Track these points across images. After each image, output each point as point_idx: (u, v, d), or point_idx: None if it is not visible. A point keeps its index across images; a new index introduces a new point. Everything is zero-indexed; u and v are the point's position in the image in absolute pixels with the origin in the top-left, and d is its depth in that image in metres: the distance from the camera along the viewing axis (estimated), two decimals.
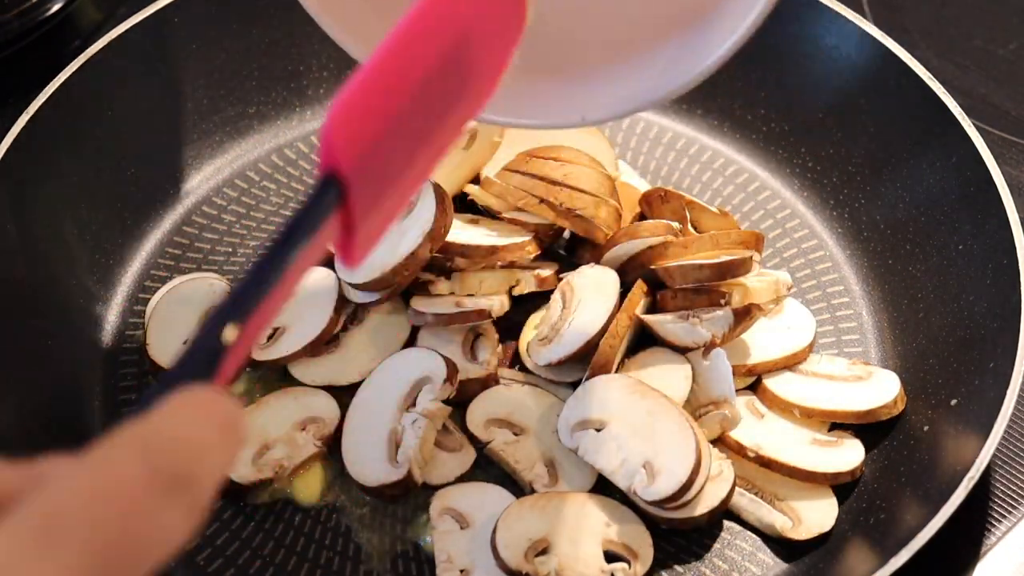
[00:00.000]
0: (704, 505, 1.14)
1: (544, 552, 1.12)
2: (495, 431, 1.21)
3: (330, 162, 0.76)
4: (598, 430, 1.16)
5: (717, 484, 1.15)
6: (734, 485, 1.16)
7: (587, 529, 1.13)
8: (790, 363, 1.25)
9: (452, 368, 1.21)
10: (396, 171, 0.81)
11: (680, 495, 1.12)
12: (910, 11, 1.66)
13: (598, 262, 1.30)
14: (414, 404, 1.20)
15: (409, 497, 1.19)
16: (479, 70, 0.83)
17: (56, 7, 1.58)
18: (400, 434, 1.19)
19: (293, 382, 1.26)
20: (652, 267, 1.25)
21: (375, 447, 1.19)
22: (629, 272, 1.27)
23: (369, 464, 1.18)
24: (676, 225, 1.26)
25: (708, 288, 1.23)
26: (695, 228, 1.30)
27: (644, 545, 1.14)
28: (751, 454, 1.18)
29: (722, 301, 1.22)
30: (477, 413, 1.22)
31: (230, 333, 0.72)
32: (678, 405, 1.17)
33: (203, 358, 0.71)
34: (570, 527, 1.13)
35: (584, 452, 1.16)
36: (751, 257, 1.24)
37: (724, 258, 1.23)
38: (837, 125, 1.43)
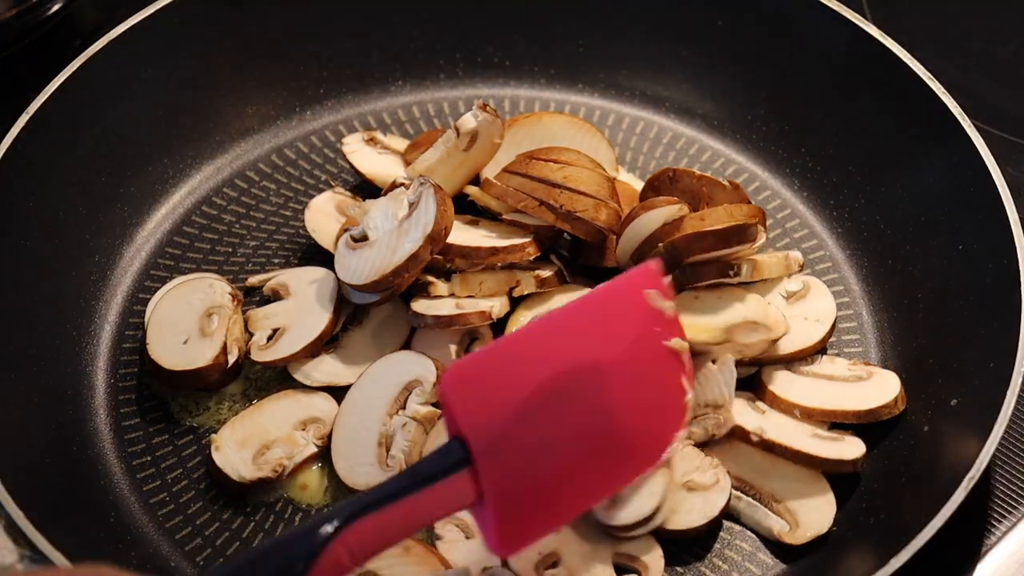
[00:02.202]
0: (703, 515, 1.14)
1: (554, 565, 1.12)
2: None
3: (452, 416, 0.92)
4: None
5: (715, 493, 1.15)
6: (730, 496, 1.16)
7: (597, 542, 1.13)
8: (798, 356, 1.25)
9: (442, 371, 1.21)
10: (538, 476, 0.96)
11: (638, 527, 1.12)
12: (910, 11, 1.66)
13: (603, 260, 1.31)
14: (404, 407, 1.20)
15: None
16: (630, 432, 0.99)
17: (56, 7, 1.58)
18: (390, 438, 1.19)
19: (293, 383, 1.26)
20: (661, 244, 1.25)
21: (365, 451, 1.19)
22: (646, 254, 1.27)
23: (359, 468, 1.18)
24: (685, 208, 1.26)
25: (716, 260, 1.23)
26: (707, 203, 1.31)
27: (653, 556, 1.14)
28: (755, 438, 1.18)
29: (730, 272, 1.23)
30: None
31: (328, 529, 0.79)
32: None
33: (297, 548, 0.78)
34: (579, 540, 1.13)
35: None
36: (756, 225, 1.24)
37: (728, 224, 1.23)
38: (837, 125, 1.43)
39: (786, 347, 1.25)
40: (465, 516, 1.13)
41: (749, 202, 1.31)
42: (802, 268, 1.32)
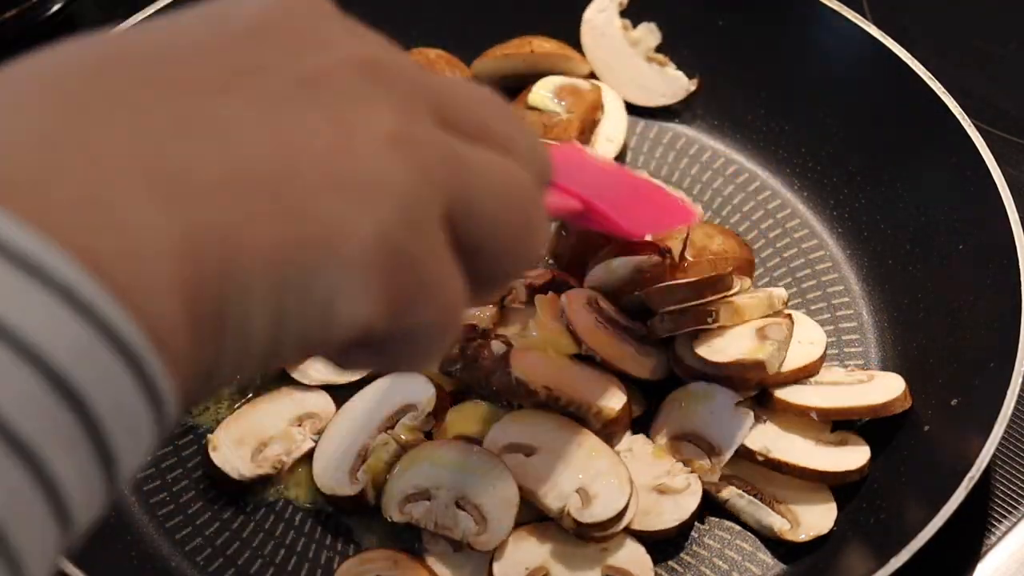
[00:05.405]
0: (674, 518, 1.14)
1: None
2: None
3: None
4: (527, 455, 1.16)
5: (686, 497, 1.15)
6: (703, 499, 1.16)
7: (585, 556, 1.13)
8: (800, 375, 1.22)
9: (440, 402, 1.20)
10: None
11: (615, 522, 1.11)
12: (910, 11, 1.66)
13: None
14: (393, 426, 1.20)
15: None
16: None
17: (56, 7, 1.58)
18: (368, 451, 1.19)
19: (292, 382, 1.26)
20: (637, 293, 1.23)
21: (344, 458, 1.18)
22: (620, 298, 1.24)
23: (331, 471, 1.18)
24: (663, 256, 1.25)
25: (693, 309, 1.20)
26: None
27: (644, 569, 1.13)
28: (760, 458, 1.18)
29: (708, 320, 1.20)
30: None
31: None
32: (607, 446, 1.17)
33: None
34: (568, 554, 1.13)
35: (512, 471, 1.14)
36: (730, 273, 1.21)
37: (705, 275, 1.21)
38: (837, 125, 1.43)
39: (787, 367, 1.22)
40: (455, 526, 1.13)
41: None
42: (787, 304, 1.27)
